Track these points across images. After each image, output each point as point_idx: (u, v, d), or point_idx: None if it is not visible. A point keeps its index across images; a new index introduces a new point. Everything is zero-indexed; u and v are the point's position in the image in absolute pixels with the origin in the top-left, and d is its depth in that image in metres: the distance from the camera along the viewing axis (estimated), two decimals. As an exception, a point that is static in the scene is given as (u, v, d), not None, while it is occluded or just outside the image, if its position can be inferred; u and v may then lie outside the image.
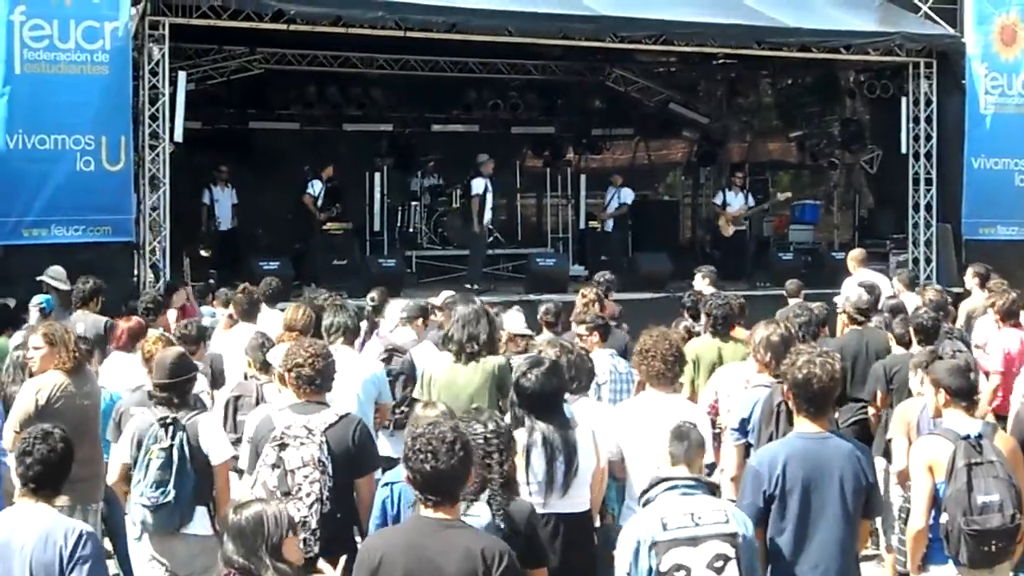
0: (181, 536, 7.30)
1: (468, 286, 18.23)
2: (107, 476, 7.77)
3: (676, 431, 5.91)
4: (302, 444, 6.70)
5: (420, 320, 11.09)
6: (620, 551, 5.58)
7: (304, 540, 6.28)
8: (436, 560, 4.97)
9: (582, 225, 23.15)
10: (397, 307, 11.13)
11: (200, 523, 7.30)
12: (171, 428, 7.27)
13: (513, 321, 10.31)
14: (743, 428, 7.63)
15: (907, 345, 9.90)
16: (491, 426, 5.91)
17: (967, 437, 6.48)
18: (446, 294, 12.64)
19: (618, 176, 22.79)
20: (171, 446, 7.22)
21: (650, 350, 7.38)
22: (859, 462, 6.17)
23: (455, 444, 5.06)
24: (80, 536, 5.23)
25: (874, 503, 6.27)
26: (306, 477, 6.64)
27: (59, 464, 5.46)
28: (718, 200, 21.90)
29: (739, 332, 10.47)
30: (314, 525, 6.52)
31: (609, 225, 22.10)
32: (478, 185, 19.68)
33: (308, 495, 6.60)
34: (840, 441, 6.27)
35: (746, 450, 7.60)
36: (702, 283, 14.30)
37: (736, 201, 21.51)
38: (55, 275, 13.23)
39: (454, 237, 21.54)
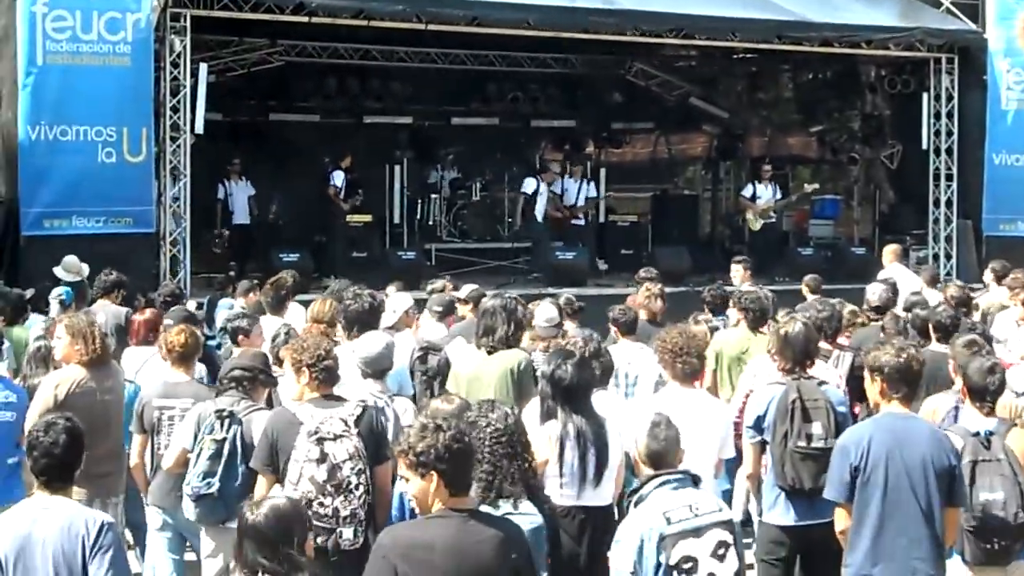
0: (231, 530, 7.23)
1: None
2: (164, 460, 7.71)
3: (651, 431, 5.75)
4: (342, 438, 6.68)
5: (451, 315, 11.02)
6: (621, 549, 5.51)
7: (355, 531, 6.52)
8: (473, 551, 4.90)
9: (602, 219, 23.08)
10: (398, 300, 11.01)
11: None
12: (227, 421, 7.24)
13: (542, 313, 10.30)
14: (758, 426, 7.58)
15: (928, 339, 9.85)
16: (500, 420, 5.98)
17: (977, 434, 6.51)
18: (469, 287, 12.60)
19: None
20: (224, 439, 7.20)
21: (684, 348, 7.40)
22: (943, 444, 6.25)
23: (467, 432, 5.09)
24: (102, 526, 5.24)
25: (957, 490, 6.21)
26: (352, 469, 6.63)
27: (64, 456, 5.38)
28: (747, 192, 21.38)
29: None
30: (363, 516, 6.57)
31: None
32: (529, 184, 20.11)
33: (357, 487, 6.61)
34: (926, 423, 6.56)
35: (761, 447, 7.56)
36: (739, 274, 14.54)
37: (766, 193, 21.06)
38: (67, 266, 13.22)
39: (473, 230, 21.56)
